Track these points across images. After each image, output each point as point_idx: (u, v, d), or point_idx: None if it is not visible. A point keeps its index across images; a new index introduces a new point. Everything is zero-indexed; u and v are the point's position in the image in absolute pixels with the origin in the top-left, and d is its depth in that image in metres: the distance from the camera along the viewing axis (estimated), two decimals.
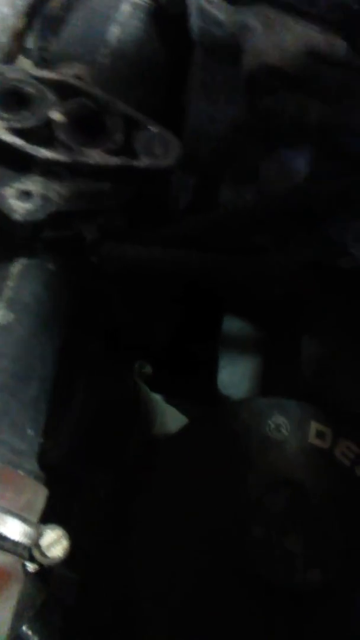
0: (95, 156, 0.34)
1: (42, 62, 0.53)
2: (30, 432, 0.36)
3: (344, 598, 0.37)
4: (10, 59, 0.52)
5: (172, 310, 0.56)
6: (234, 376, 0.54)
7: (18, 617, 0.36)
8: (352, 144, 0.34)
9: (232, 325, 0.54)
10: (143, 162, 0.35)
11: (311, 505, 0.39)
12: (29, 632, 0.39)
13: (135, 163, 0.35)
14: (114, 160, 0.34)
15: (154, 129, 0.36)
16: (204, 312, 0.56)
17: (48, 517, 0.36)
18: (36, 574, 0.36)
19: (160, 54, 0.46)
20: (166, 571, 0.37)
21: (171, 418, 0.55)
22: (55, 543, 0.32)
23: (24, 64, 0.59)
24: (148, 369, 0.58)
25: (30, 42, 0.58)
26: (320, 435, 0.43)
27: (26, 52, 0.59)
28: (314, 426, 0.44)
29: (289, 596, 0.36)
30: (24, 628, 0.39)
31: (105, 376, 0.52)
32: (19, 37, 0.56)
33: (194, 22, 0.40)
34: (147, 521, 0.39)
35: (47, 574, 0.38)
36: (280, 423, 0.44)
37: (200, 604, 0.36)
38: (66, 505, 0.44)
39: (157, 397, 0.56)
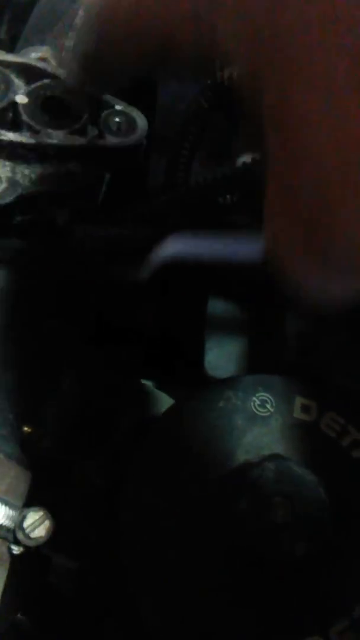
0: (61, 137, 0.34)
1: (13, 50, 0.53)
2: (11, 416, 0.37)
3: (331, 568, 0.37)
4: None
5: (157, 291, 0.56)
6: (221, 357, 0.54)
7: (10, 605, 0.37)
8: None
9: (217, 306, 0.54)
10: (109, 140, 0.35)
11: (297, 477, 0.39)
12: (24, 620, 0.39)
13: (100, 142, 0.35)
14: (79, 140, 0.34)
15: (119, 106, 0.36)
16: (188, 295, 0.56)
17: (44, 506, 0.36)
18: (28, 561, 0.36)
19: None
20: (154, 546, 0.37)
21: (161, 403, 0.55)
22: (38, 524, 0.32)
23: None
24: (136, 354, 0.59)
25: (3, 33, 0.58)
26: (305, 409, 0.44)
27: (0, 43, 0.59)
28: (299, 401, 0.44)
29: (275, 567, 0.36)
30: (19, 615, 0.39)
31: (92, 363, 0.52)
32: None
33: None
34: (134, 499, 0.39)
35: (39, 560, 0.38)
36: (265, 399, 0.44)
37: (187, 576, 0.36)
38: (62, 493, 0.44)
39: (147, 383, 0.57)
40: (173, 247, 0.36)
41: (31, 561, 0.36)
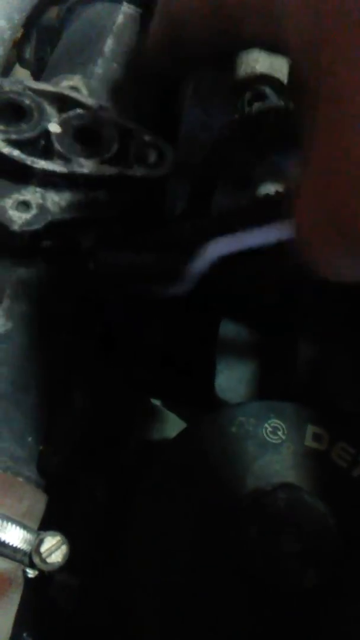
0: (91, 166, 0.35)
1: (39, 72, 0.54)
2: (30, 439, 0.37)
3: (340, 599, 0.37)
4: (7, 70, 0.52)
5: (167, 312, 0.57)
6: (231, 380, 0.54)
7: (19, 624, 0.37)
8: None
9: (229, 329, 0.55)
10: (137, 171, 0.35)
11: (308, 507, 0.39)
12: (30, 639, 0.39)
13: (129, 172, 0.35)
14: (109, 170, 0.35)
15: (147, 137, 0.36)
16: (200, 317, 0.57)
17: (48, 523, 0.36)
18: (37, 580, 0.36)
19: None
20: (162, 571, 0.37)
21: (169, 423, 0.55)
22: (54, 549, 0.32)
23: (22, 74, 0.59)
24: (146, 375, 0.59)
25: (28, 53, 0.58)
26: (316, 438, 0.44)
27: (23, 63, 0.59)
28: (310, 429, 0.44)
29: (284, 597, 0.36)
30: (25, 635, 0.39)
31: (103, 382, 0.52)
32: (16, 48, 0.56)
33: None
34: (144, 522, 0.39)
35: (48, 580, 0.38)
36: (276, 426, 0.44)
37: (194, 602, 0.37)
38: (65, 510, 0.44)
39: (155, 403, 0.57)
40: (214, 250, 0.37)
41: (41, 583, 0.37)
